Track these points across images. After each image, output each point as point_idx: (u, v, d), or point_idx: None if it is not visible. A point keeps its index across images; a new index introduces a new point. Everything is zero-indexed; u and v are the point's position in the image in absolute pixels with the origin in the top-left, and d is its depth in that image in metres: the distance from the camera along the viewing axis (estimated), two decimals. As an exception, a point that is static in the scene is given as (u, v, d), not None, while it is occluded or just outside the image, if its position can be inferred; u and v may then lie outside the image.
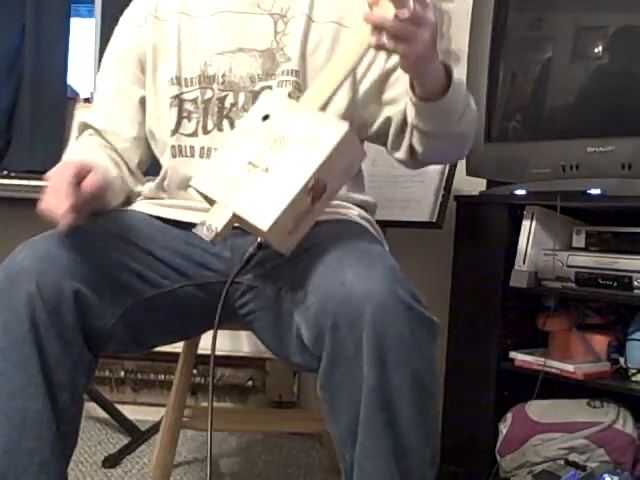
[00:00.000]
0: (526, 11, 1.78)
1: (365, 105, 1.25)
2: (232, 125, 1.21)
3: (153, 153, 1.31)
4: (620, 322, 1.67)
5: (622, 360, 1.59)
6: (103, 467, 1.80)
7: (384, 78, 1.25)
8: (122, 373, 2.22)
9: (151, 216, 1.21)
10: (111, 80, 1.30)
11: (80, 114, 2.14)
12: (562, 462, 1.53)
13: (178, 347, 1.47)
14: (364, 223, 1.23)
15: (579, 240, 1.67)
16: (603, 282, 1.56)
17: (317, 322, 0.97)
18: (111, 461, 1.81)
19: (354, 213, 1.23)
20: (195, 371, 2.10)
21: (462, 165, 1.78)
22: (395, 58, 1.12)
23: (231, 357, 2.14)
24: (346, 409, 0.97)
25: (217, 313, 1.03)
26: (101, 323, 1.06)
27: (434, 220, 1.82)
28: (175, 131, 1.22)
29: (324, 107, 1.04)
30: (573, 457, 1.53)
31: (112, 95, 1.29)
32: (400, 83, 1.19)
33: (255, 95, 1.21)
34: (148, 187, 1.27)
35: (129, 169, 1.28)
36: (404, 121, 1.20)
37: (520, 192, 1.67)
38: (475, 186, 1.83)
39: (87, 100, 2.20)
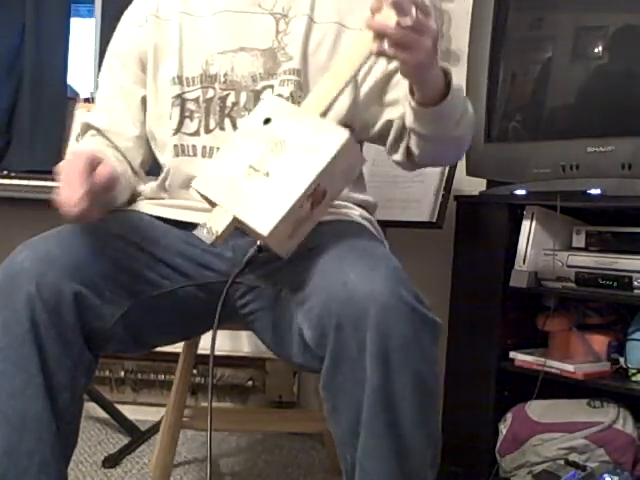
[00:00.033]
0: (526, 11, 1.78)
1: (367, 106, 1.26)
2: (234, 124, 1.21)
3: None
4: (620, 322, 1.67)
5: (622, 360, 1.59)
6: (103, 467, 1.80)
7: (386, 80, 1.25)
8: (122, 373, 2.22)
9: (152, 216, 1.21)
10: (113, 80, 1.30)
11: (81, 115, 2.14)
12: (562, 462, 1.53)
13: (178, 347, 1.47)
14: (365, 223, 1.23)
15: (579, 240, 1.67)
16: (603, 282, 1.56)
17: (320, 322, 0.97)
18: (111, 461, 1.81)
19: (355, 213, 1.24)
20: (195, 371, 2.10)
21: (462, 165, 1.78)
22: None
23: (231, 357, 2.14)
24: (348, 409, 0.97)
25: (217, 313, 1.03)
26: (101, 323, 1.06)
27: (434, 220, 1.82)
28: (177, 130, 1.22)
29: (325, 112, 1.05)
30: (573, 457, 1.53)
31: (114, 95, 1.29)
32: (402, 85, 1.20)
33: (257, 94, 1.21)
34: (149, 187, 1.27)
35: (132, 168, 1.28)
36: (404, 126, 1.20)
37: (520, 192, 1.67)
38: (475, 186, 1.83)
39: (87, 100, 2.19)
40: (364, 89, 1.25)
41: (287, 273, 1.07)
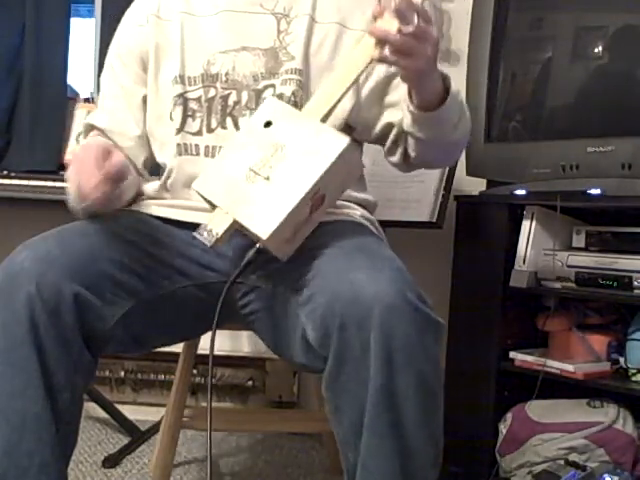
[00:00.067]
0: (526, 11, 1.78)
1: (368, 107, 1.26)
2: (235, 123, 1.21)
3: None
4: (620, 322, 1.67)
5: (622, 360, 1.60)
6: (103, 467, 1.79)
7: (387, 81, 1.26)
8: (122, 373, 2.22)
9: (152, 216, 1.21)
10: (114, 80, 1.30)
11: (82, 115, 2.15)
12: (562, 462, 1.52)
13: (178, 347, 1.47)
14: (366, 223, 1.24)
15: (579, 240, 1.67)
16: (603, 282, 1.56)
17: (324, 322, 0.97)
18: (111, 461, 1.81)
19: (357, 213, 1.24)
20: (195, 371, 2.11)
21: (462, 165, 1.78)
22: None
23: (231, 357, 2.14)
24: (351, 409, 0.98)
25: (216, 313, 1.03)
26: (101, 324, 1.06)
27: (434, 220, 1.82)
28: (180, 130, 1.23)
29: (326, 118, 1.06)
30: (573, 457, 1.53)
31: (116, 95, 1.30)
32: (402, 87, 1.20)
33: (258, 93, 1.22)
34: (152, 187, 1.27)
35: (135, 168, 1.28)
36: (403, 130, 1.22)
37: (520, 192, 1.67)
38: (475, 186, 1.83)
39: (87, 100, 2.20)
40: (365, 90, 1.25)
41: (289, 273, 1.07)
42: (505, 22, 1.76)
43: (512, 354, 1.68)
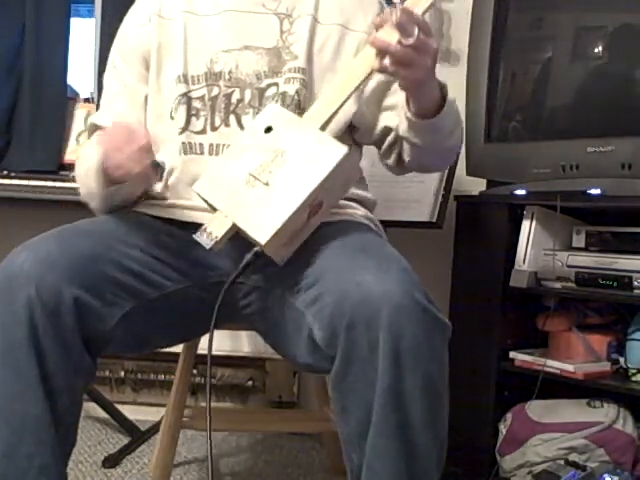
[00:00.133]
0: (526, 11, 1.78)
1: (368, 106, 1.27)
2: (239, 121, 1.22)
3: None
4: (620, 322, 1.67)
5: (622, 360, 1.60)
6: (103, 467, 1.79)
7: (386, 86, 1.27)
8: (122, 373, 2.22)
9: (153, 217, 1.21)
10: (117, 79, 1.31)
11: (81, 114, 2.15)
12: (562, 462, 1.52)
13: (178, 347, 1.47)
14: (369, 223, 1.24)
15: (579, 240, 1.67)
16: (603, 282, 1.56)
17: (332, 322, 0.97)
18: (111, 461, 1.81)
19: (359, 213, 1.25)
20: (195, 371, 2.10)
21: (462, 165, 1.78)
22: None
23: (231, 357, 2.14)
24: (358, 409, 0.98)
25: (214, 313, 1.03)
26: (101, 325, 1.06)
27: (434, 220, 1.82)
28: (185, 129, 1.23)
29: (326, 125, 1.08)
30: (573, 457, 1.53)
31: (119, 93, 1.30)
32: (401, 91, 1.22)
33: (261, 92, 1.22)
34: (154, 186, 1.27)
35: None
36: (399, 135, 1.24)
37: (520, 192, 1.67)
38: (475, 186, 1.83)
39: (87, 100, 2.20)
40: (366, 93, 1.27)
41: (291, 274, 1.08)
42: (505, 22, 1.76)
43: (512, 354, 1.68)
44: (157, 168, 1.15)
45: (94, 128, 1.31)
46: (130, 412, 2.10)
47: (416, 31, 1.00)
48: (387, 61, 1.03)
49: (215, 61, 1.23)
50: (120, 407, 2.10)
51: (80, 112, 2.17)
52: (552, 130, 1.72)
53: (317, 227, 1.07)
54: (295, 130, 1.06)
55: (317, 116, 1.08)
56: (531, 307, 1.74)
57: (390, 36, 1.01)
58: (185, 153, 1.23)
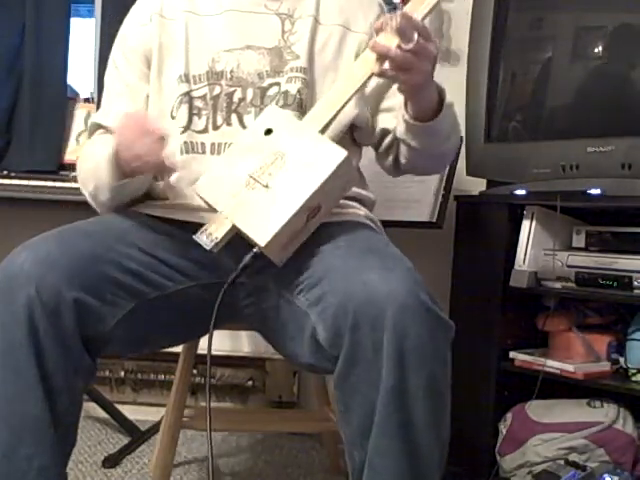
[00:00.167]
0: (526, 11, 1.78)
1: (368, 105, 1.28)
2: (240, 120, 1.22)
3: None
4: (620, 322, 1.67)
5: (622, 360, 1.60)
6: (103, 467, 1.79)
7: (384, 89, 1.28)
8: (122, 373, 2.22)
9: (154, 217, 1.21)
10: (119, 78, 1.31)
11: (81, 114, 2.15)
12: (562, 462, 1.52)
13: (178, 347, 1.47)
14: (370, 223, 1.24)
15: (579, 240, 1.67)
16: (603, 282, 1.56)
17: (336, 322, 0.97)
18: (111, 461, 1.81)
19: (361, 213, 1.25)
20: (195, 371, 2.10)
21: (462, 165, 1.78)
22: None
23: (231, 357, 2.14)
24: (360, 409, 0.98)
25: (213, 314, 1.03)
26: (101, 326, 1.06)
27: (434, 220, 1.82)
28: (187, 128, 1.23)
29: (326, 128, 1.09)
30: (573, 457, 1.53)
31: (120, 93, 1.30)
32: (399, 94, 1.22)
33: (263, 91, 1.22)
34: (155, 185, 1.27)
35: None
36: (396, 137, 1.25)
37: (520, 192, 1.67)
38: (475, 186, 1.83)
39: (87, 100, 2.20)
40: (368, 89, 1.27)
41: (293, 274, 1.08)
42: (505, 22, 1.76)
43: (512, 354, 1.68)
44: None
45: (96, 128, 1.31)
46: (130, 412, 2.10)
47: (416, 36, 1.01)
48: (387, 65, 1.04)
49: (217, 60, 1.24)
50: (120, 407, 2.10)
51: (80, 112, 2.17)
52: (552, 130, 1.72)
53: (320, 227, 1.08)
54: (295, 133, 1.07)
55: (317, 119, 1.09)
56: (531, 307, 1.74)
57: (390, 41, 1.03)
58: (187, 152, 1.23)
